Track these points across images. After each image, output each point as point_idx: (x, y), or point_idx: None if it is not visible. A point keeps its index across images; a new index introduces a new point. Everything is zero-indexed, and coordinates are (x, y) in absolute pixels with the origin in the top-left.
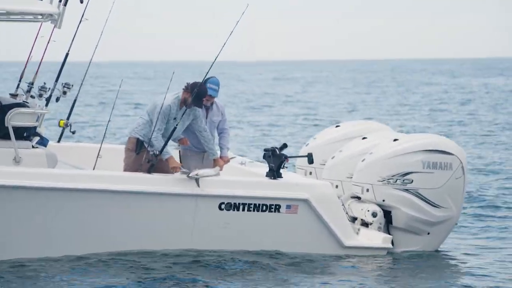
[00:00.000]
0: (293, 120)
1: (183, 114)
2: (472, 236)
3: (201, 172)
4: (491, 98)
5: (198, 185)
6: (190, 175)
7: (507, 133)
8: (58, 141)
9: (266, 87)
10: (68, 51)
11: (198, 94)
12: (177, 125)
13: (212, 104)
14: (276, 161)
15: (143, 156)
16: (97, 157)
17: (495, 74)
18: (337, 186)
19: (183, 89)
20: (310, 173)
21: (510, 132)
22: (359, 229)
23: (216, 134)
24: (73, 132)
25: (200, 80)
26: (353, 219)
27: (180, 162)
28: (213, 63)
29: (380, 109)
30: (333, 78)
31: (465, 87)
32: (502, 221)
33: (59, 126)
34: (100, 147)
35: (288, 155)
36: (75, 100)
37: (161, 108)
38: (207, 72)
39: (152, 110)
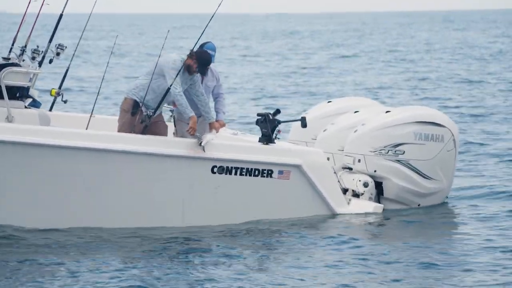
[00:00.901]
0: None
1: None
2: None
3: (208, 137)
4: None
5: (205, 151)
6: (202, 143)
7: None
8: (50, 110)
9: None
10: (62, 12)
11: (204, 62)
12: (171, 85)
13: (207, 69)
14: (268, 126)
15: (138, 118)
16: (90, 116)
17: None
18: (328, 159)
19: (188, 55)
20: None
21: None
22: (350, 200)
23: (212, 99)
24: (65, 101)
25: (195, 43)
26: (345, 191)
27: (174, 125)
28: (212, 16)
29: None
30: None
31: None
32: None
33: (51, 95)
34: (94, 105)
35: (282, 120)
36: (67, 70)
37: (173, 63)
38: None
39: (158, 70)
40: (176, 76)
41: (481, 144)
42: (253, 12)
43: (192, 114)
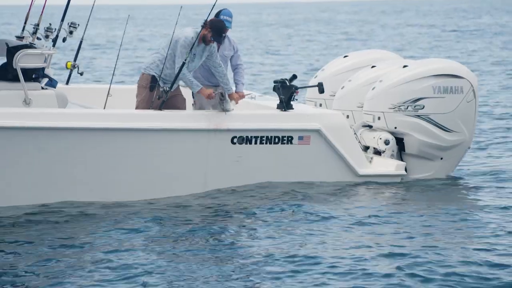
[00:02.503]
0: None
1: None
2: (486, 161)
3: (228, 106)
4: None
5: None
6: (225, 107)
7: None
8: (67, 83)
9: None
10: None
11: (218, 30)
12: (191, 56)
13: (224, 37)
14: (286, 92)
15: (155, 93)
16: (107, 95)
17: None
18: (348, 116)
19: (201, 25)
20: (320, 104)
21: None
22: (372, 158)
23: (230, 69)
24: (81, 74)
25: (212, 15)
26: (366, 148)
27: (193, 97)
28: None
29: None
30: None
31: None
32: None
33: (67, 68)
34: (110, 85)
35: (298, 86)
36: (81, 42)
37: (184, 40)
38: (212, 8)
39: (172, 46)
40: (187, 55)
41: None
42: None
43: (200, 86)
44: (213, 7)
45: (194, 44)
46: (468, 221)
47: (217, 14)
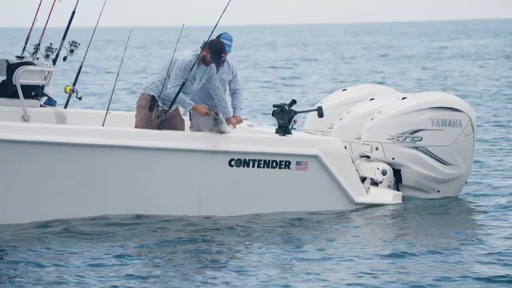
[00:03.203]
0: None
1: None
2: (485, 187)
3: (225, 127)
4: None
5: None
6: (220, 128)
7: None
8: (65, 107)
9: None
10: (75, 9)
11: (218, 51)
12: (190, 80)
13: (223, 60)
14: (285, 117)
15: (154, 113)
16: (106, 113)
17: None
18: (345, 147)
19: (201, 47)
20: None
21: None
22: (369, 188)
23: (228, 94)
24: (80, 98)
25: (213, 37)
26: (363, 179)
27: (190, 119)
28: (215, 25)
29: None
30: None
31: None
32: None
33: (65, 92)
34: (109, 103)
35: (298, 111)
36: (81, 66)
37: (181, 63)
38: (212, 31)
39: (170, 66)
40: (183, 76)
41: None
42: None
43: (192, 104)
44: (214, 28)
45: (193, 66)
46: (468, 246)
47: (217, 37)
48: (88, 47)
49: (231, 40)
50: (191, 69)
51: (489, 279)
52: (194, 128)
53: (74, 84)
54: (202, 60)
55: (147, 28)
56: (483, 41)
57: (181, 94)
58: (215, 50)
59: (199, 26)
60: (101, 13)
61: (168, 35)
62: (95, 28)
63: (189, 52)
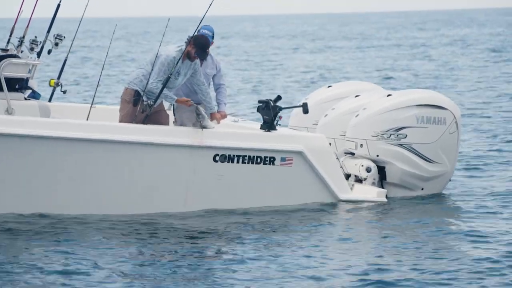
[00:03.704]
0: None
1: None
2: (470, 184)
3: (208, 122)
4: None
5: (202, 128)
6: (202, 123)
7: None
8: (49, 101)
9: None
10: (60, 2)
11: (202, 46)
12: (175, 75)
13: (206, 53)
14: (270, 113)
15: (139, 108)
16: (91, 107)
17: None
18: (330, 144)
19: (185, 42)
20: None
21: None
22: (353, 185)
23: (213, 89)
24: (64, 92)
25: (195, 31)
26: (347, 176)
27: (174, 114)
28: (204, 15)
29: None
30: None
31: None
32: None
33: (50, 85)
34: (94, 96)
35: (283, 107)
36: (65, 60)
37: (165, 59)
38: (199, 23)
39: (155, 61)
40: (166, 71)
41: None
42: None
43: (175, 98)
44: (200, 22)
45: (178, 62)
46: (451, 243)
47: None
48: (73, 40)
49: (211, 30)
50: (176, 65)
51: (474, 275)
52: (178, 123)
53: (58, 77)
54: (187, 56)
55: (134, 18)
56: None
57: (164, 91)
58: (199, 45)
59: (187, 16)
60: (86, 5)
61: (154, 26)
62: (81, 20)
63: (173, 48)
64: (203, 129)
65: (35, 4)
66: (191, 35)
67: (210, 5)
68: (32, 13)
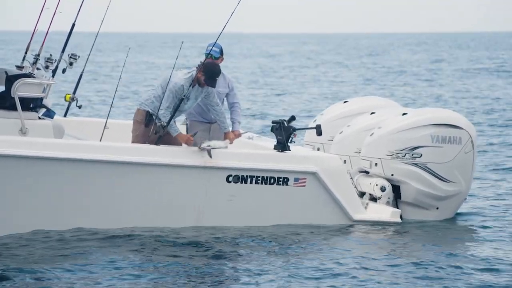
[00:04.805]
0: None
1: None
2: (483, 206)
3: (212, 143)
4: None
5: (210, 156)
6: (201, 146)
7: None
8: (65, 116)
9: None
10: (75, 21)
11: (211, 74)
12: (184, 100)
13: (215, 81)
14: (284, 133)
15: (151, 129)
16: (104, 128)
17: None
18: (345, 161)
19: (196, 67)
20: (318, 148)
21: None
22: (367, 204)
23: (227, 107)
24: (80, 107)
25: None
26: (361, 194)
27: (187, 132)
28: (220, 34)
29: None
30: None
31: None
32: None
33: (65, 100)
34: (107, 118)
35: (297, 128)
36: (81, 74)
37: (173, 86)
38: (214, 43)
39: (164, 85)
40: (174, 98)
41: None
42: None
43: (178, 131)
44: (216, 40)
45: (189, 88)
46: (465, 266)
47: (207, 49)
48: (89, 55)
49: (218, 46)
50: (185, 91)
51: None
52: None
53: (74, 93)
54: (197, 81)
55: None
56: None
57: (170, 123)
58: (208, 74)
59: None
60: (102, 21)
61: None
62: (96, 35)
63: (182, 75)
64: (212, 151)
65: (51, 22)
66: (203, 60)
67: (227, 22)
68: (48, 30)
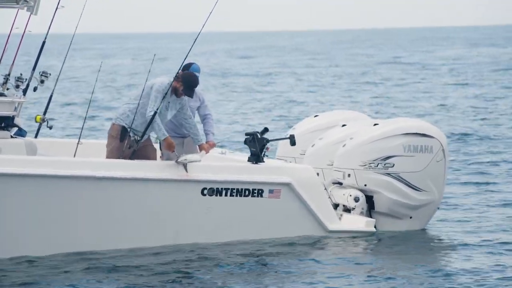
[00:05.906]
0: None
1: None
2: (456, 215)
3: (189, 157)
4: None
5: (186, 170)
6: (178, 160)
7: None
8: (35, 137)
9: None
10: (45, 39)
11: (190, 85)
12: (157, 109)
13: (193, 91)
14: (257, 145)
15: (126, 143)
16: (78, 143)
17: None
18: (318, 174)
19: (174, 78)
20: (290, 162)
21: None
22: (341, 215)
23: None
24: (50, 127)
25: (181, 64)
26: (335, 206)
27: (160, 148)
28: (198, 34)
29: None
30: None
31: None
32: (486, 196)
33: (36, 121)
34: (80, 134)
35: (270, 139)
36: (51, 96)
37: (160, 86)
38: (193, 43)
39: (145, 93)
40: (162, 99)
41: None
42: None
43: (166, 135)
44: (188, 52)
45: (167, 92)
46: (436, 276)
47: (186, 67)
48: (58, 76)
49: (198, 71)
50: (165, 95)
51: None
52: (165, 157)
53: (44, 113)
54: (173, 91)
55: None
56: None
57: (158, 120)
58: (187, 84)
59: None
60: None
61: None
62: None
63: (165, 77)
64: (187, 164)
65: (20, 43)
66: (178, 71)
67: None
68: (16, 52)
